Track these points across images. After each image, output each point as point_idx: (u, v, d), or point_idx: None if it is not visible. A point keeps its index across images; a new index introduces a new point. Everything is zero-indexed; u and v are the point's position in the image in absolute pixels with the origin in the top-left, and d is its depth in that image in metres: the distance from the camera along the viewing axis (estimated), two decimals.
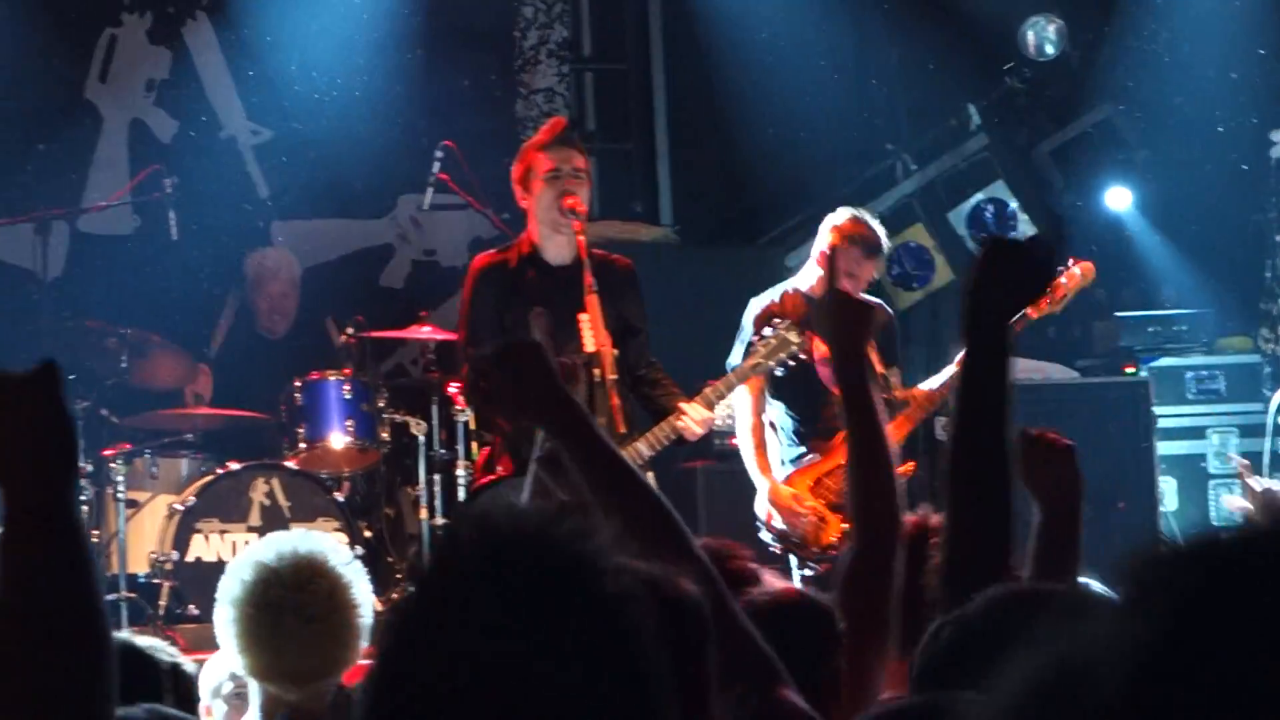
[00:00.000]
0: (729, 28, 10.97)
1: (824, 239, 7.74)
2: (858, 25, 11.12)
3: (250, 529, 8.31)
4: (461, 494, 8.08)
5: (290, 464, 8.48)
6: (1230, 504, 9.29)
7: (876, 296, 7.70)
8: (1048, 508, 3.45)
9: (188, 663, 3.71)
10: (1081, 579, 3.33)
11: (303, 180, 10.77)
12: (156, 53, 10.77)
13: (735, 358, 7.63)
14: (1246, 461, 9.07)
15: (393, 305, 10.32)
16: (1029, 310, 7.48)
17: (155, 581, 8.36)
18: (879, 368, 7.18)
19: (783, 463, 7.79)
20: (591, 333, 7.21)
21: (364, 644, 3.86)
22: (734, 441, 8.02)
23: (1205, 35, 10.76)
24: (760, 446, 7.72)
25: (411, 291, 10.88)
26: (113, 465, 8.47)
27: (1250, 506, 8.37)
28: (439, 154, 9.13)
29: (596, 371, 7.12)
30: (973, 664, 2.02)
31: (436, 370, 8.72)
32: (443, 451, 8.52)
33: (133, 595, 8.29)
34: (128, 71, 10.69)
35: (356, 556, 4.17)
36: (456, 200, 9.44)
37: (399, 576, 8.68)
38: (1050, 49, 10.86)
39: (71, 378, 8.40)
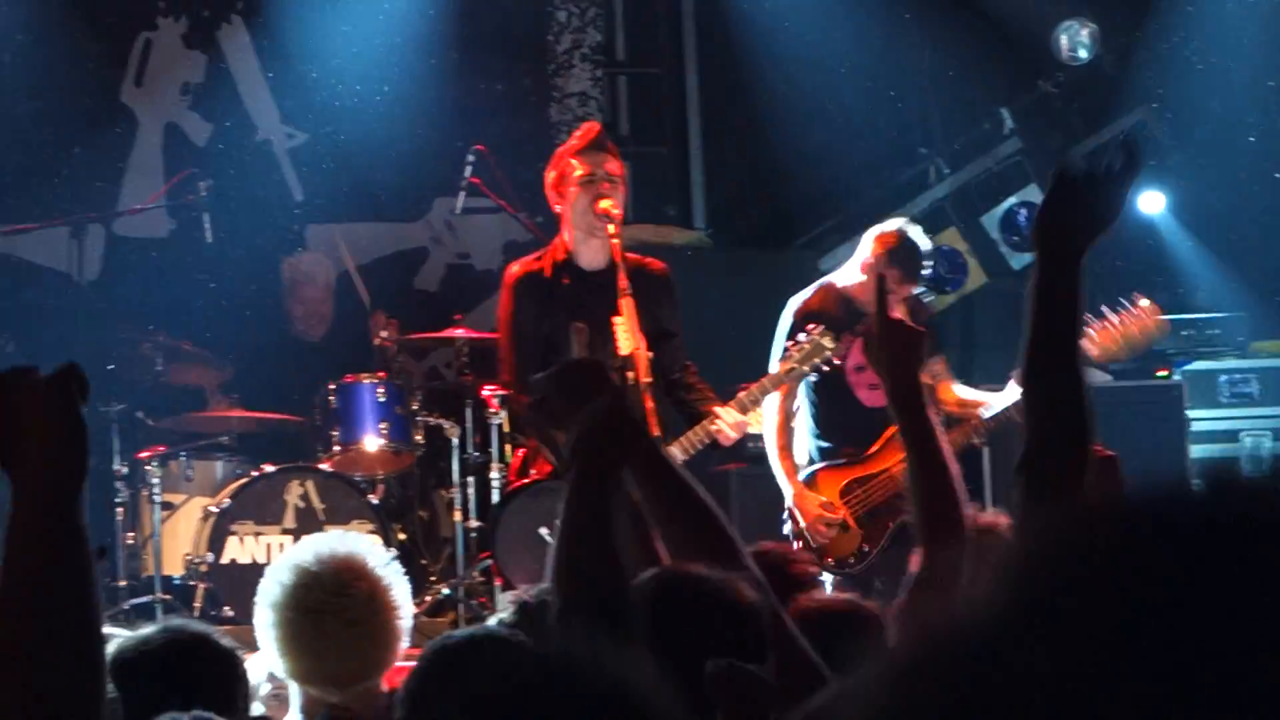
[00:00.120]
0: (762, 32, 10.96)
1: (866, 248, 7.62)
2: (891, 29, 11.09)
3: (285, 531, 8.32)
4: (495, 497, 8.07)
5: (325, 466, 8.48)
6: None
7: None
8: None
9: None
10: None
11: (338, 183, 10.79)
12: (191, 56, 10.79)
13: (774, 364, 7.59)
14: None
15: (428, 308, 10.34)
16: (1093, 350, 7.50)
17: (190, 584, 8.38)
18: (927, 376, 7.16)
19: (810, 458, 7.74)
20: (626, 336, 7.21)
21: (404, 645, 3.88)
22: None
23: (1237, 41, 10.73)
24: (784, 450, 7.66)
25: (446, 294, 10.89)
26: (148, 468, 8.50)
27: None
28: (470, 158, 9.14)
29: (631, 375, 7.07)
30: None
31: (471, 373, 8.67)
32: (477, 454, 8.49)
33: (168, 597, 8.30)
34: (163, 75, 10.72)
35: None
36: (490, 204, 9.45)
37: (433, 580, 8.69)
38: (1083, 53, 10.84)
39: (108, 374, 8.53)
